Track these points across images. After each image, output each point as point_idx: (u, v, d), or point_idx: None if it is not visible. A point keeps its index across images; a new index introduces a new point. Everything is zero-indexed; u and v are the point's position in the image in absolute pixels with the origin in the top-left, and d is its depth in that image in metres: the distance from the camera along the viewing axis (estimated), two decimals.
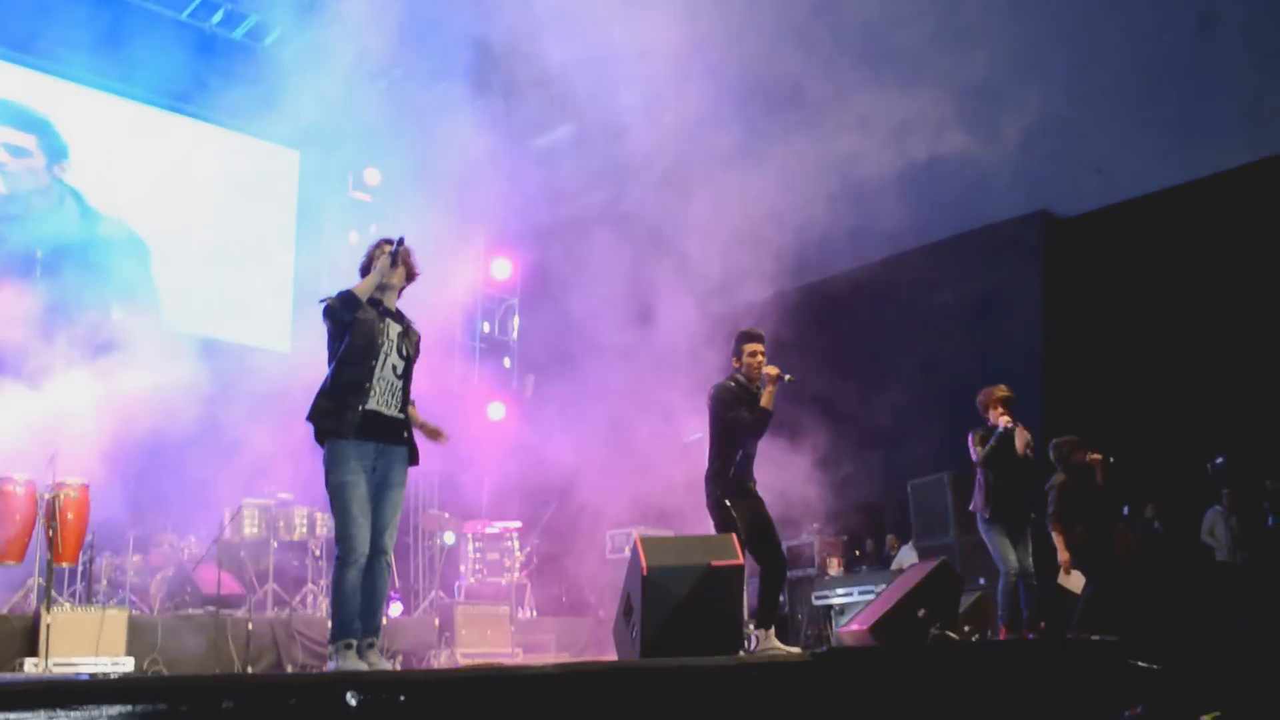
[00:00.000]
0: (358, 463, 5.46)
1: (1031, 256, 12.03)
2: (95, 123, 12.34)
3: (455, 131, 11.67)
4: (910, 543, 11.01)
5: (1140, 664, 5.30)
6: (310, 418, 5.55)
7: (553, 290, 12.24)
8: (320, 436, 5.54)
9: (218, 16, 12.73)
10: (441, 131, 11.77)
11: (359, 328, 5.57)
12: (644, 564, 6.39)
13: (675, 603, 6.34)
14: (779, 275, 10.56)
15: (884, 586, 9.21)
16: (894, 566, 10.99)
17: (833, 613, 10.45)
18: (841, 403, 10.66)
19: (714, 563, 6.46)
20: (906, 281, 11.92)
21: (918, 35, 9.78)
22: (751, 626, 6.95)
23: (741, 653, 6.60)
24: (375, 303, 5.71)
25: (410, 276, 5.89)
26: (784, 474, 9.23)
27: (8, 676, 6.81)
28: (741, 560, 6.51)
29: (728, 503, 6.85)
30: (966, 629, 8.67)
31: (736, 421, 6.98)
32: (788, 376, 7.05)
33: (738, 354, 7.16)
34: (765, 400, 6.99)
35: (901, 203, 10.82)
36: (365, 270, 5.80)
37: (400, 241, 5.78)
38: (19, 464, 8.89)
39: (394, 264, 5.73)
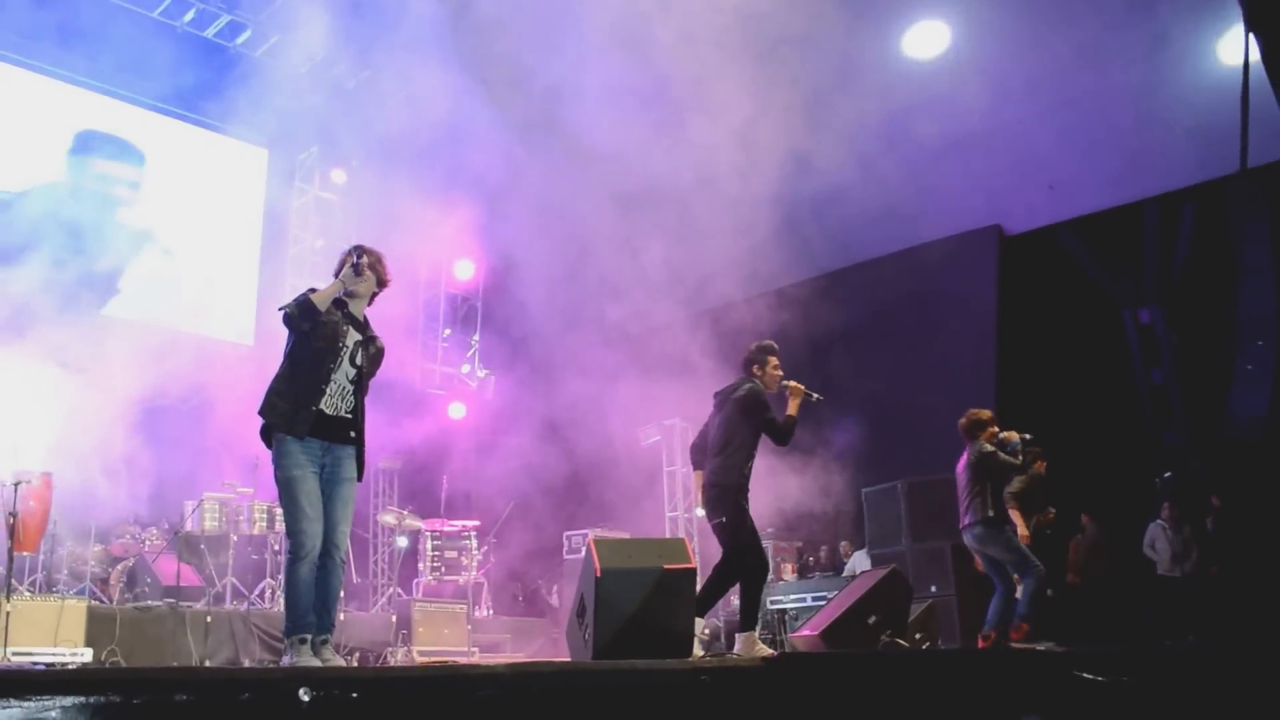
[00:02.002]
0: (306, 458, 5.52)
1: (984, 270, 12.25)
2: (63, 113, 12.34)
3: (420, 133, 11.76)
4: (863, 549, 11.15)
5: (1085, 675, 5.42)
6: (262, 412, 5.62)
7: (515, 291, 12.32)
8: (268, 431, 5.61)
9: (189, 15, 12.76)
10: (406, 133, 11.86)
11: (320, 330, 5.62)
12: (598, 566, 6.46)
13: (628, 605, 6.41)
14: (734, 283, 10.71)
15: (836, 592, 9.34)
16: (846, 573, 11.12)
17: (786, 617, 10.58)
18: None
19: (667, 566, 6.54)
20: (859, 292, 12.09)
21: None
22: (706, 631, 7.07)
23: (699, 653, 6.74)
24: (341, 305, 5.79)
25: (381, 284, 5.95)
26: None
27: None
28: (694, 564, 6.63)
29: (743, 503, 7.00)
30: (917, 636, 8.81)
31: (771, 426, 7.14)
32: (815, 396, 7.24)
33: (760, 365, 7.30)
34: (793, 410, 7.17)
35: (853, 213, 11.03)
36: (338, 275, 5.87)
37: (361, 252, 5.85)
38: None
39: (357, 273, 5.79)
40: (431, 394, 13.94)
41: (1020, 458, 8.08)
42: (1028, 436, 8.21)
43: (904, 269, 12.51)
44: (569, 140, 10.29)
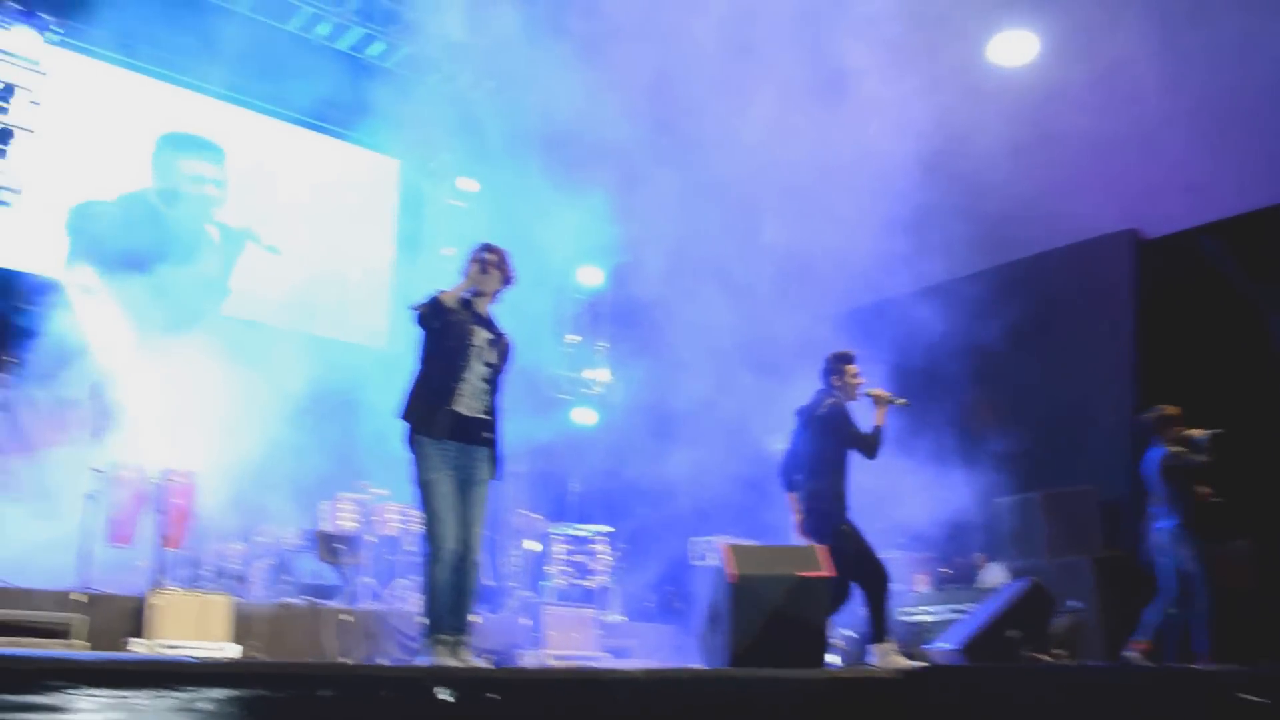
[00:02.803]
0: (442, 461, 5.60)
1: (1120, 275, 11.80)
2: (203, 127, 12.79)
3: (548, 139, 11.85)
4: (998, 562, 10.87)
5: (1249, 698, 5.17)
6: (402, 416, 5.70)
7: (642, 295, 12.30)
8: (409, 435, 5.68)
9: (323, 28, 13.10)
10: (534, 140, 11.97)
11: (449, 330, 5.71)
12: (731, 572, 6.42)
13: (762, 612, 6.36)
14: (865, 286, 10.54)
15: (973, 605, 9.12)
16: (982, 585, 10.86)
17: (919, 630, 10.37)
18: (928, 418, 10.56)
19: (801, 573, 6.47)
20: (990, 297, 11.74)
21: None
22: (841, 641, 6.98)
23: (836, 664, 6.66)
24: (468, 305, 5.84)
25: (506, 281, 6.00)
26: (869, 490, 9.20)
27: (117, 655, 7.07)
28: (829, 572, 6.53)
29: (845, 529, 6.90)
30: (1059, 652, 8.55)
31: (858, 441, 7.01)
32: (901, 400, 7.08)
33: (838, 374, 7.19)
34: (880, 419, 7.03)
35: (983, 218, 10.73)
36: (465, 274, 5.93)
37: (487, 249, 5.90)
38: (130, 451, 9.27)
39: (483, 270, 5.85)
40: (560, 397, 14.03)
41: (1207, 455, 7.73)
42: (1218, 432, 7.80)
43: (1036, 274, 12.14)
44: (699, 141, 10.25)
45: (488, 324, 5.93)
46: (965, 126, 9.60)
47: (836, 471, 6.99)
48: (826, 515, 6.92)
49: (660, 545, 12.17)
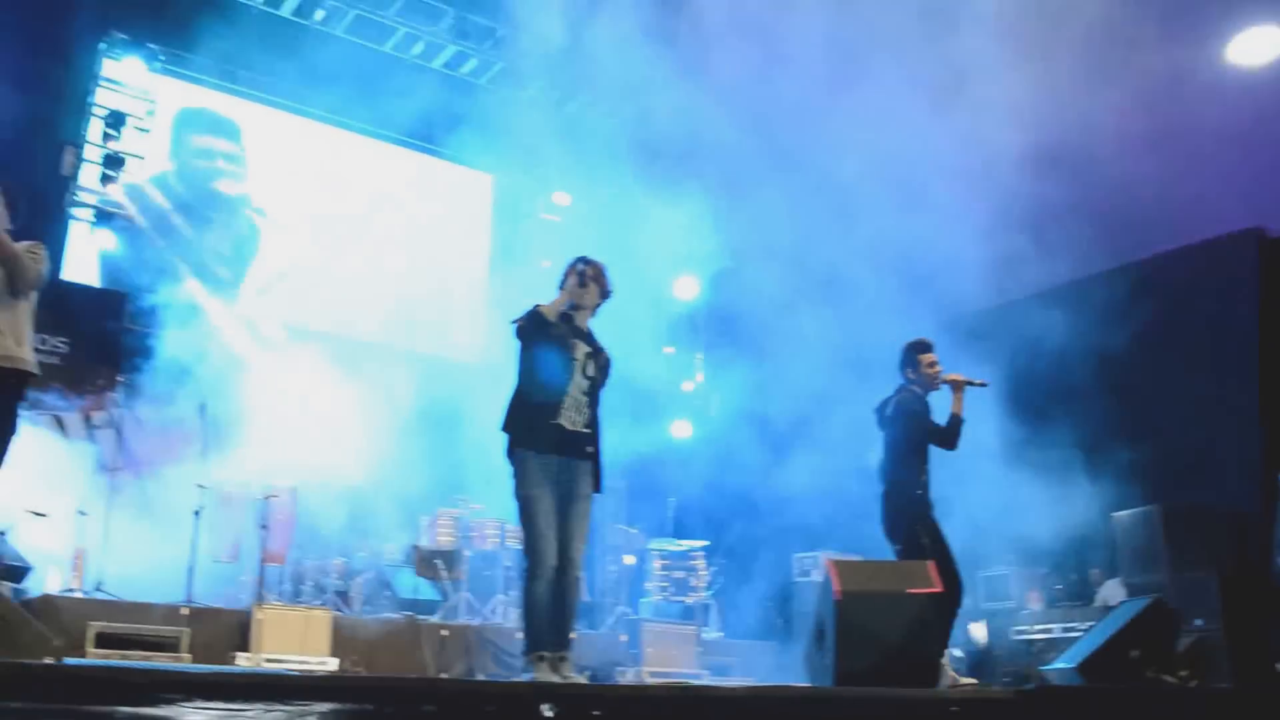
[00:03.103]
0: (544, 475, 5.52)
1: (1244, 276, 11.28)
2: (300, 146, 13.02)
3: (647, 149, 11.78)
4: (1116, 578, 10.47)
5: None
6: (504, 428, 5.62)
7: (740, 306, 12.14)
8: (511, 448, 5.60)
9: (418, 48, 13.23)
10: (632, 150, 11.91)
11: (550, 345, 5.65)
12: (838, 588, 6.20)
13: (870, 630, 6.13)
14: (978, 289, 10.24)
15: (1090, 624, 8.78)
16: (1098, 603, 10.47)
17: (1033, 649, 10.02)
18: (1038, 430, 10.22)
19: (910, 590, 6.24)
20: (1112, 300, 11.33)
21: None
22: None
23: (950, 682, 6.42)
24: (567, 319, 5.77)
25: (604, 295, 5.93)
26: (979, 503, 8.90)
27: (227, 668, 7.12)
28: (940, 587, 6.28)
29: (919, 528, 6.69)
30: (1184, 674, 8.15)
31: (935, 433, 6.81)
32: (979, 380, 6.85)
33: (913, 365, 7.00)
34: (957, 407, 6.82)
35: (1101, 217, 10.35)
36: (562, 287, 5.87)
37: (585, 263, 5.82)
38: (233, 469, 9.39)
39: (582, 284, 5.77)
40: (657, 410, 13.92)
41: None
42: None
43: (1156, 275, 11.67)
44: (803, 143, 10.07)
45: (587, 338, 5.87)
46: (1083, 120, 9.27)
47: (913, 469, 6.78)
48: (903, 510, 6.74)
49: (761, 561, 11.96)
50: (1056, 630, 9.75)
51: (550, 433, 5.54)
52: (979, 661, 9.96)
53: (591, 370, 5.75)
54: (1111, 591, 10.53)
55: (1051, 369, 10.32)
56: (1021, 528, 9.89)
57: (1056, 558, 10.91)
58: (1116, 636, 7.77)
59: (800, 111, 9.95)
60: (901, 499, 6.76)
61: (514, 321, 5.74)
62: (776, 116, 10.22)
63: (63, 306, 11.48)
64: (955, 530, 7.03)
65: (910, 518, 6.71)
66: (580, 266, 5.84)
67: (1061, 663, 8.01)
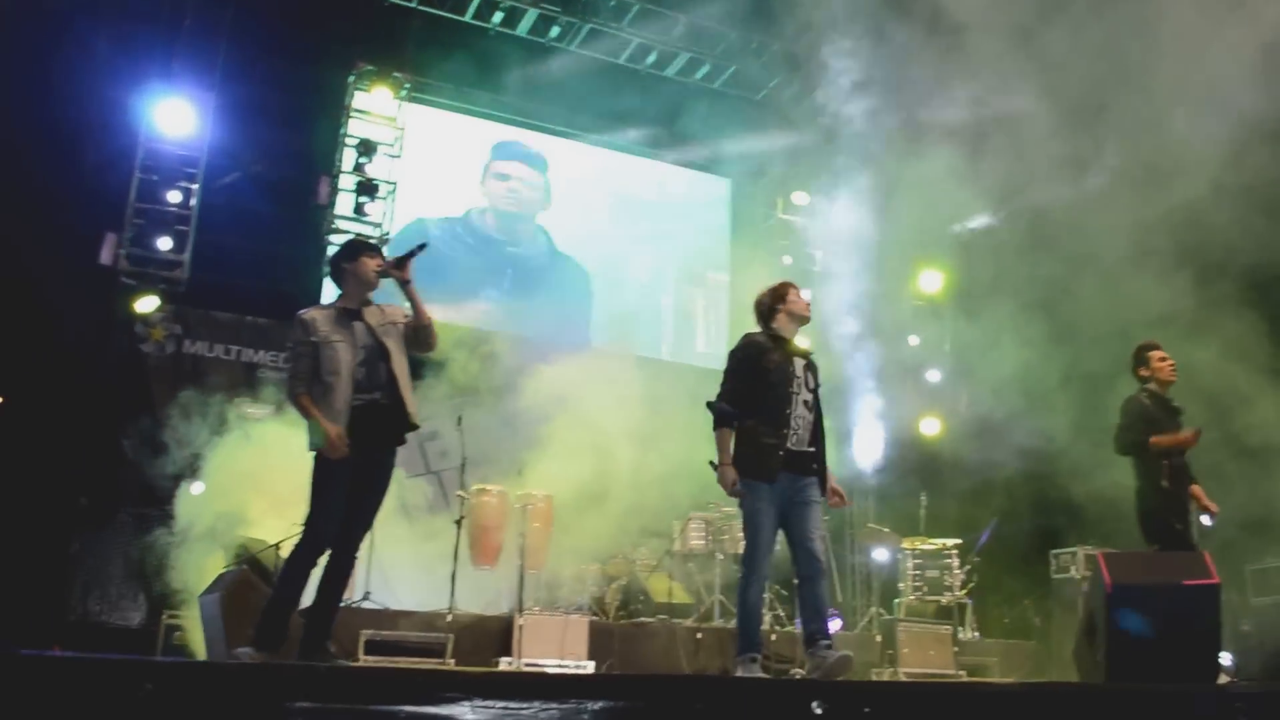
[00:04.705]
0: (772, 495, 5.75)
1: None
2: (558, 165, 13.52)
3: (878, 146, 11.62)
4: None
5: None
6: (733, 462, 5.83)
7: (982, 298, 11.77)
8: (741, 479, 5.81)
9: (651, 58, 13.48)
10: (864, 149, 11.77)
11: (772, 375, 5.87)
12: (1108, 581, 6.00)
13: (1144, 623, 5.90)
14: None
15: None
16: None
17: None
18: None
19: (1185, 581, 5.98)
20: None
21: None
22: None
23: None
24: (781, 343, 6.01)
25: (804, 318, 6.19)
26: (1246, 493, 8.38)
27: (501, 670, 7.41)
28: (1217, 579, 5.99)
29: (1170, 523, 6.76)
30: None
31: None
32: None
33: (1144, 364, 7.18)
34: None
35: None
36: (768, 311, 6.14)
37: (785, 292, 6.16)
38: (491, 475, 9.75)
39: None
40: (904, 410, 13.70)
41: None
42: None
43: None
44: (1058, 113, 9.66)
45: (803, 354, 6.11)
46: None
47: (1151, 470, 6.85)
48: (1147, 515, 6.86)
49: (1017, 559, 11.56)
50: None
51: (779, 462, 5.75)
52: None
53: (810, 383, 6.02)
54: None
55: None
56: None
57: None
58: None
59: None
60: (1148, 501, 6.87)
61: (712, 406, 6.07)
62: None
63: None
64: (1221, 520, 6.95)
65: (1156, 518, 6.78)
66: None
67: None
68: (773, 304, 6.11)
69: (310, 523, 5.38)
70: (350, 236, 11.74)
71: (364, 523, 5.58)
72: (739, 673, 5.66)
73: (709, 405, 5.99)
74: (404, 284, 5.60)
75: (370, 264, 5.65)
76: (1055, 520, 11.49)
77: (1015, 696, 4.30)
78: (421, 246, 5.71)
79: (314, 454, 5.43)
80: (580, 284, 13.25)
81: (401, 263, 5.62)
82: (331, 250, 11.99)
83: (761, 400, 5.83)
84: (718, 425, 5.93)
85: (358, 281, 5.67)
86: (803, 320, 6.15)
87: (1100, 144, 9.76)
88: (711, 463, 5.96)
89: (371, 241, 5.85)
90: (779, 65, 12.81)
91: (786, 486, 5.74)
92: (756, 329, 6.15)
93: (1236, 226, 8.80)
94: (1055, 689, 5.30)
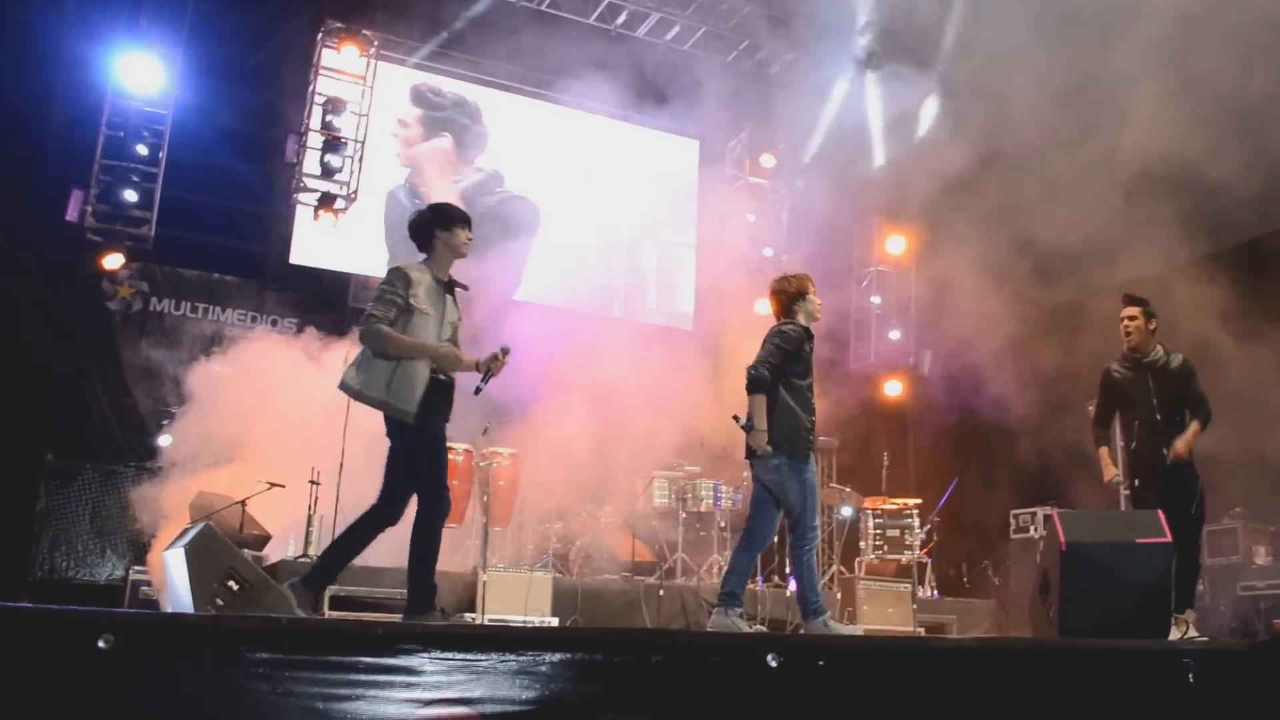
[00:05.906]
0: (809, 469, 6.26)
1: None
2: (517, 120, 13.49)
3: (845, 112, 11.65)
4: None
5: None
6: (773, 444, 6.15)
7: (947, 266, 11.87)
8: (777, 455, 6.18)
9: (622, 18, 13.41)
10: (831, 113, 11.79)
11: (809, 365, 6.34)
12: (1062, 539, 6.10)
13: (1096, 580, 6.01)
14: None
15: None
16: None
17: (1260, 605, 9.55)
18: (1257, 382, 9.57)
19: (1139, 539, 6.09)
20: None
21: None
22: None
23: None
24: (807, 333, 6.37)
25: (812, 320, 6.52)
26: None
27: (463, 624, 7.46)
28: (1169, 538, 6.11)
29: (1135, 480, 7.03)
30: None
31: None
32: None
33: None
34: None
35: None
36: (791, 300, 6.44)
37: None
38: (456, 433, 9.77)
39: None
40: (868, 372, 13.82)
41: None
42: None
43: None
44: (1007, 104, 9.73)
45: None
46: None
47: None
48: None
49: (974, 518, 11.75)
50: None
51: (811, 445, 6.33)
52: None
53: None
54: None
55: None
56: (1246, 484, 9.37)
57: None
58: None
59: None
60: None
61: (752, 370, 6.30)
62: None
63: (291, 288, 12.28)
64: None
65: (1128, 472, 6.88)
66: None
67: None
68: (797, 296, 6.41)
69: (442, 487, 5.72)
70: (318, 194, 11.72)
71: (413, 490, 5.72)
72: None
73: (752, 369, 6.19)
74: (487, 373, 5.75)
75: (463, 235, 5.69)
76: (1016, 481, 11.65)
77: (966, 652, 4.40)
78: (505, 351, 5.77)
79: (410, 427, 5.53)
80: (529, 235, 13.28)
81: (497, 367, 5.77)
82: (302, 210, 11.95)
83: (802, 385, 6.25)
84: (759, 390, 6.15)
85: (449, 251, 5.69)
86: (813, 321, 6.47)
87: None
88: (741, 422, 6.27)
89: (465, 213, 5.81)
90: (748, 28, 12.77)
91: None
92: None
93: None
94: (1006, 644, 5.42)
